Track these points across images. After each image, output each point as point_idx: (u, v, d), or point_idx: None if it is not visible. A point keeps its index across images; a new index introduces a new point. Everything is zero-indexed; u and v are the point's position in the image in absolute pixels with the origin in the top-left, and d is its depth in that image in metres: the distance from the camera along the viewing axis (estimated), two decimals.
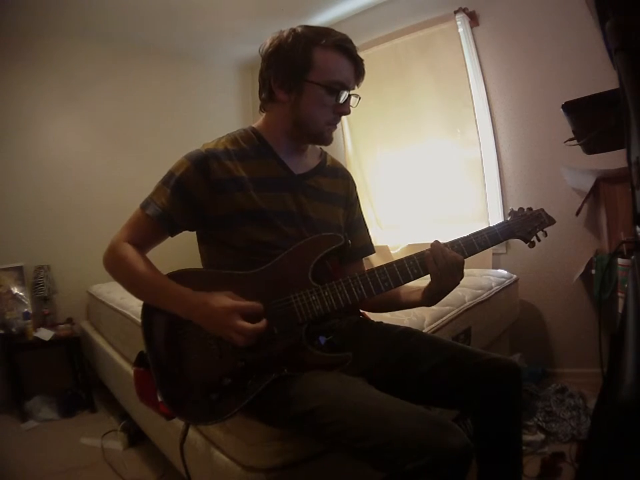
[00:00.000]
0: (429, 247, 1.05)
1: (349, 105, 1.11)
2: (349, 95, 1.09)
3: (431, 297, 1.09)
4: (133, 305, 1.97)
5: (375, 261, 2.70)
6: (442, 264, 1.01)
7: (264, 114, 1.16)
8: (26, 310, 2.63)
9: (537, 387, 2.16)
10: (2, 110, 2.73)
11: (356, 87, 1.12)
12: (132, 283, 1.07)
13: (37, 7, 2.49)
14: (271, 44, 1.08)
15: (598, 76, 1.69)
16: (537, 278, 2.52)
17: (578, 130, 1.35)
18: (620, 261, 1.65)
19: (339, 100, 1.07)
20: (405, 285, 1.07)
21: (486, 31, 2.59)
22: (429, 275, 1.06)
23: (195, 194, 1.06)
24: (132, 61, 3.24)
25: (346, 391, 0.91)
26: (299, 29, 1.06)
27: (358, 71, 1.09)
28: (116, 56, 3.15)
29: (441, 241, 1.05)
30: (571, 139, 1.41)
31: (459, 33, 2.61)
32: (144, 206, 1.09)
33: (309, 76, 1.04)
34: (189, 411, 1.03)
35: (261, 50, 1.11)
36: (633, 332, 0.73)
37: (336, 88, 1.06)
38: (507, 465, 1.08)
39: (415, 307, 1.19)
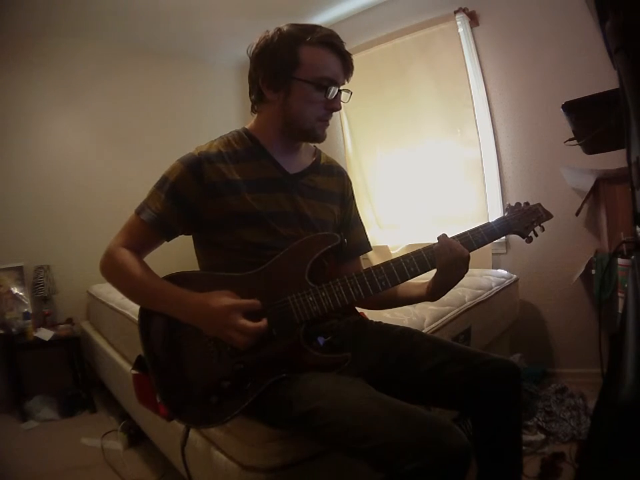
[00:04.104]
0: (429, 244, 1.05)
1: (339, 101, 1.10)
2: (339, 91, 1.09)
3: (435, 290, 1.09)
4: (133, 305, 1.95)
5: (375, 260, 2.70)
6: (449, 256, 1.01)
7: (255, 115, 1.16)
8: (26, 310, 2.63)
9: (537, 387, 2.16)
10: (2, 110, 2.73)
11: (345, 82, 1.11)
12: (130, 288, 1.07)
13: (37, 7, 2.48)
14: (257, 44, 1.08)
15: (598, 76, 1.69)
16: (537, 278, 2.52)
17: (578, 130, 1.35)
18: (620, 261, 1.65)
19: (328, 96, 1.06)
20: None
21: (486, 31, 2.59)
22: (426, 274, 1.06)
23: (189, 198, 1.06)
24: (132, 61, 3.24)
25: (345, 391, 0.91)
26: (285, 28, 1.06)
27: (346, 65, 1.08)
28: (116, 56, 3.15)
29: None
30: (571, 139, 1.41)
31: (458, 33, 2.61)
32: (139, 211, 1.08)
33: (296, 73, 1.04)
34: (188, 414, 1.02)
35: (248, 51, 1.11)
36: (633, 332, 0.73)
37: (324, 84, 1.05)
38: (506, 465, 1.08)
39: (416, 302, 1.19)
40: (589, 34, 2.01)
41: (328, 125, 1.13)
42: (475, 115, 2.60)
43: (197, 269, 1.17)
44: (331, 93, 1.06)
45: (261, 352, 1.00)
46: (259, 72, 1.08)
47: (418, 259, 1.04)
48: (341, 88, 1.09)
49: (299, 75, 1.04)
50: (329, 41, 1.05)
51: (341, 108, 1.11)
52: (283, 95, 1.06)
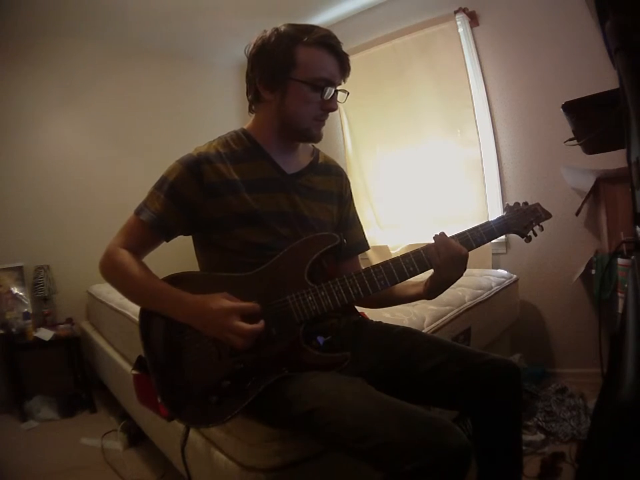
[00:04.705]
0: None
1: (335, 101, 1.10)
2: (336, 91, 1.09)
3: (433, 288, 1.09)
4: (133, 305, 1.94)
5: (375, 260, 2.70)
6: (445, 255, 1.01)
7: (253, 115, 1.16)
8: (26, 310, 2.63)
9: (537, 387, 2.16)
10: (2, 110, 2.73)
11: (342, 82, 1.11)
12: (129, 289, 1.07)
13: (37, 7, 2.48)
14: (254, 44, 1.08)
15: (598, 76, 1.69)
16: (537, 278, 2.52)
17: (578, 130, 1.35)
18: (620, 260, 1.65)
19: (324, 96, 1.06)
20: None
21: (486, 31, 2.59)
22: (425, 273, 1.06)
23: (189, 198, 1.06)
24: (132, 61, 3.24)
25: (345, 391, 0.91)
26: (282, 28, 1.06)
27: (343, 66, 1.08)
28: (116, 56, 3.15)
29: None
30: (571, 139, 1.41)
31: (458, 33, 2.61)
32: (138, 212, 1.09)
33: (292, 74, 1.04)
34: (189, 414, 1.02)
35: (246, 51, 1.11)
36: (633, 332, 0.73)
37: (320, 84, 1.05)
38: (506, 465, 1.08)
39: (413, 300, 1.18)
40: (589, 34, 2.01)
41: (323, 124, 1.13)
42: (475, 115, 2.60)
43: (197, 269, 1.17)
44: (327, 94, 1.06)
45: (260, 351, 1.00)
46: (256, 72, 1.08)
47: (417, 259, 1.04)
48: (338, 88, 1.09)
49: (295, 75, 1.04)
50: (326, 42, 1.05)
51: (337, 108, 1.11)
52: (280, 95, 1.06)
